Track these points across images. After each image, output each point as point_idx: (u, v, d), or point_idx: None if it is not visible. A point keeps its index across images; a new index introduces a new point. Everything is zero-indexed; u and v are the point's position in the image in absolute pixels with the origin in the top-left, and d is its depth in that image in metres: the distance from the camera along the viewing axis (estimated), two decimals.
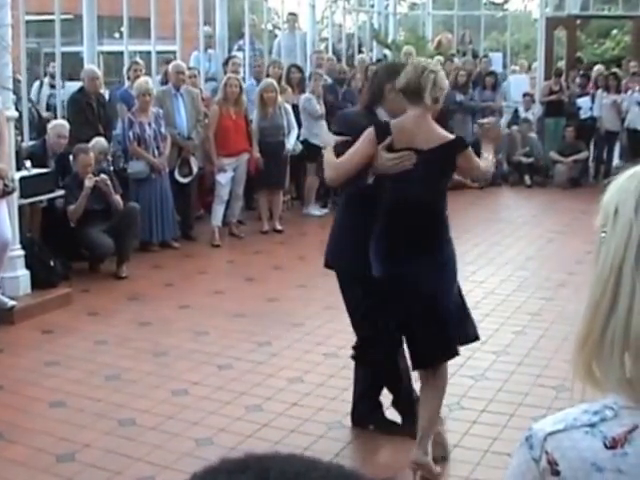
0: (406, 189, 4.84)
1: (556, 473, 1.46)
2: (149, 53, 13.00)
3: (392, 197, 4.91)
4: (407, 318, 4.99)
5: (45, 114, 12.42)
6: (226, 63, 13.05)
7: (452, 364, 6.77)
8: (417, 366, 5.15)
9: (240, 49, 15.00)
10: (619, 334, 1.45)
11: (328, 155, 5.02)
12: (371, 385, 5.67)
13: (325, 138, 5.09)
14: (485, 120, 5.60)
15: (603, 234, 1.52)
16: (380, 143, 4.80)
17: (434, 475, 4.94)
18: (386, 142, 4.79)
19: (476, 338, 5.28)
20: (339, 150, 4.97)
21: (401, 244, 4.90)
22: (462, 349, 7.20)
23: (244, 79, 12.75)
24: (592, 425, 1.46)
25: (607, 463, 1.43)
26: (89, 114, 10.56)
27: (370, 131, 4.84)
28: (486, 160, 5.12)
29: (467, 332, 5.18)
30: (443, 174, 5.01)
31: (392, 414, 5.70)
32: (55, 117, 11.18)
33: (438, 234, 4.99)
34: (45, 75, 14.28)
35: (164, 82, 12.08)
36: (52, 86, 13.59)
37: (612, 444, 1.44)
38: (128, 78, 11.92)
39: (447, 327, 4.99)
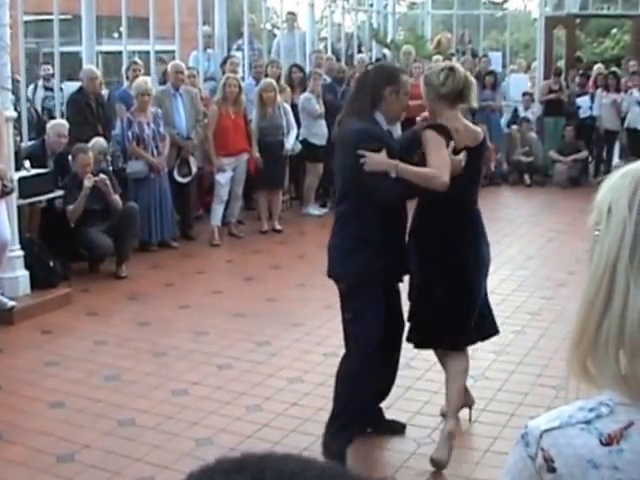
0: (452, 186, 4.91)
1: (552, 470, 1.46)
2: (148, 53, 12.99)
3: (431, 196, 4.99)
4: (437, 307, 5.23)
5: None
6: (224, 63, 13.05)
7: None
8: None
9: (239, 49, 14.99)
10: (614, 332, 1.45)
11: (411, 168, 4.96)
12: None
13: (383, 160, 5.04)
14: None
15: (597, 232, 1.54)
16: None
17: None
18: (452, 145, 4.95)
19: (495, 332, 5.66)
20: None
21: (439, 240, 5.14)
22: None
23: (243, 78, 12.74)
24: (587, 422, 1.46)
25: (603, 460, 1.43)
26: (88, 114, 10.56)
27: (436, 135, 4.96)
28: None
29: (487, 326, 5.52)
30: (482, 167, 5.43)
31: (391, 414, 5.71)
32: (53, 118, 11.15)
33: (475, 228, 5.26)
34: (38, 78, 14.12)
35: (162, 82, 12.08)
36: (47, 89, 13.53)
37: (608, 441, 1.44)
38: (127, 78, 11.92)
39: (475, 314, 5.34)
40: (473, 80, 5.24)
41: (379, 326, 5.14)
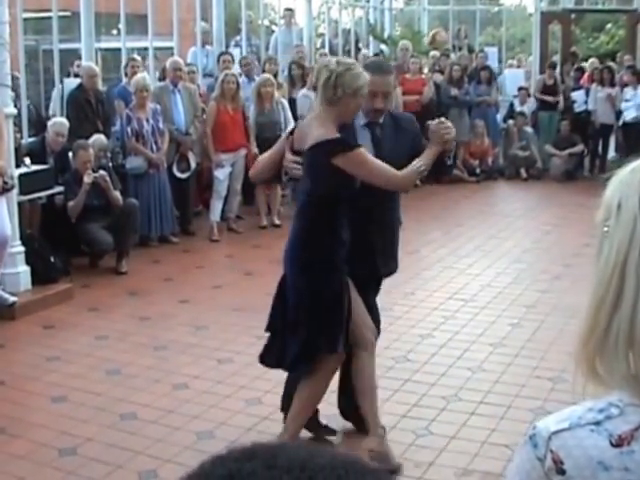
0: (299, 191, 4.95)
1: (562, 472, 1.45)
2: (147, 49, 13.03)
3: None
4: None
5: None
6: (219, 60, 13.09)
7: (449, 356, 6.88)
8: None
9: (237, 45, 15.04)
10: (624, 330, 1.43)
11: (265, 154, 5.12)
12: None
13: None
14: (435, 121, 5.03)
15: (606, 229, 1.49)
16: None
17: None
18: (288, 143, 4.88)
19: None
20: None
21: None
22: (458, 341, 7.32)
23: (240, 75, 12.77)
24: (597, 423, 1.44)
25: (614, 461, 1.41)
26: (88, 111, 10.60)
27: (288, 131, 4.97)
28: (411, 168, 4.84)
29: None
30: (314, 178, 4.84)
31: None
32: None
33: (304, 248, 5.10)
34: (69, 75, 13.90)
35: (161, 78, 12.12)
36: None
37: (618, 442, 1.42)
38: (125, 74, 11.96)
39: None
40: (326, 77, 4.78)
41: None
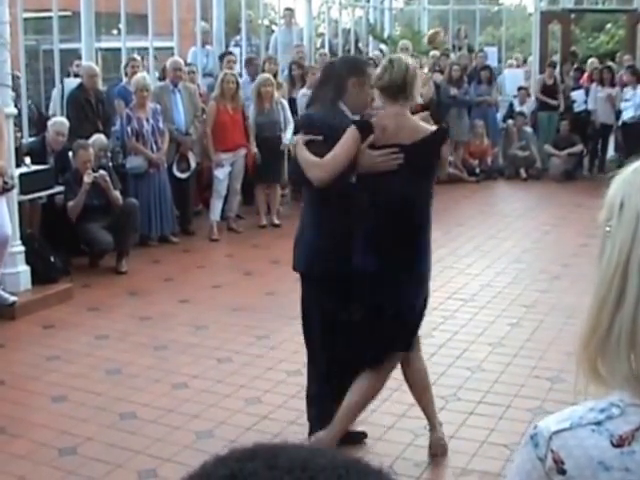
0: (389, 185, 4.88)
1: (562, 472, 1.44)
2: (147, 49, 13.04)
3: (377, 194, 4.93)
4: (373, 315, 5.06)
5: None
6: (221, 59, 13.10)
7: (448, 356, 6.89)
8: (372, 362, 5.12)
9: (237, 45, 15.06)
10: (626, 330, 1.43)
11: (305, 155, 4.99)
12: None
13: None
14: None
15: (608, 229, 1.49)
16: (362, 142, 4.85)
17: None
18: (368, 140, 4.83)
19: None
20: (313, 150, 4.97)
21: (387, 241, 4.99)
22: (458, 341, 7.34)
23: (240, 75, 12.79)
24: (598, 423, 1.44)
25: (614, 462, 1.41)
26: (88, 111, 10.62)
27: (354, 130, 4.87)
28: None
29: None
30: (428, 167, 5.02)
31: None
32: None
33: (419, 235, 5.16)
34: (69, 75, 13.89)
35: (162, 78, 12.13)
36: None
37: (619, 442, 1.42)
38: (126, 74, 11.97)
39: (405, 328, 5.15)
40: (417, 75, 4.98)
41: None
